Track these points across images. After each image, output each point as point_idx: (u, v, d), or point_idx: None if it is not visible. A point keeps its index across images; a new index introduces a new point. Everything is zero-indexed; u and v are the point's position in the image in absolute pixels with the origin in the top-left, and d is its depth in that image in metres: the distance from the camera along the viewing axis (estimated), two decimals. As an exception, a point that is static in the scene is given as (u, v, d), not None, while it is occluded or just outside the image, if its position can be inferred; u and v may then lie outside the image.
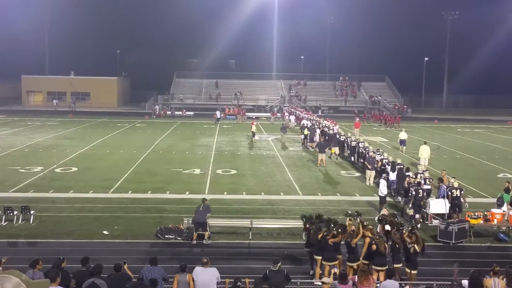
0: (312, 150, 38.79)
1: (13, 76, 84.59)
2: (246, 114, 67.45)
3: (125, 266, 12.54)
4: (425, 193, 20.93)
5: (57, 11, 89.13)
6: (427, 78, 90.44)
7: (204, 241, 18.34)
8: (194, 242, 18.30)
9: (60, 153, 36.21)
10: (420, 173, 23.21)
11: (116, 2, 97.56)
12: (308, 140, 41.03)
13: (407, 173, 24.12)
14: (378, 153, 29.08)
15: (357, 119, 49.47)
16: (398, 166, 25.32)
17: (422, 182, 22.14)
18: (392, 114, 69.12)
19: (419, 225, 20.32)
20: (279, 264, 12.78)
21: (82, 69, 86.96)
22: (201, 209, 18.57)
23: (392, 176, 24.79)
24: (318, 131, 40.30)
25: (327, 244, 14.91)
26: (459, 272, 13.28)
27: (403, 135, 39.69)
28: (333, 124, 42.43)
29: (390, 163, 26.07)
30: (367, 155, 28.86)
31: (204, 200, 19.22)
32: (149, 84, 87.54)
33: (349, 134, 38.12)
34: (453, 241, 18.35)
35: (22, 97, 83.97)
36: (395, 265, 14.61)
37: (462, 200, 20.83)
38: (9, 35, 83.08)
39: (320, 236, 15.08)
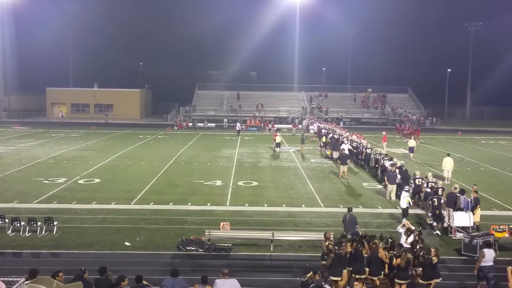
0: (329, 156, 41.09)
1: (38, 89, 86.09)
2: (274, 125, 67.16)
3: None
4: (441, 202, 21.06)
5: (80, 25, 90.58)
6: (450, 89, 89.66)
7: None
8: None
9: (83, 165, 36.58)
10: (431, 183, 23.50)
11: (139, 16, 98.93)
12: (326, 148, 43.57)
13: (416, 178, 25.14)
14: (386, 158, 31.04)
15: (384, 132, 48.81)
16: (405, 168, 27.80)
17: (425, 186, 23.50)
18: (418, 125, 68.38)
19: (438, 231, 20.89)
20: (308, 275, 13.14)
21: (105, 81, 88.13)
22: (347, 220, 18.35)
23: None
24: (347, 145, 39.65)
25: (360, 256, 14.73)
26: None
27: (411, 143, 42.59)
28: (361, 138, 42.20)
29: (398, 168, 27.61)
30: (387, 169, 28.66)
31: (349, 209, 18.78)
32: (171, 96, 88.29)
33: (365, 142, 39.70)
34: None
35: (46, 109, 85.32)
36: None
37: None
38: (34, 49, 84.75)
39: (350, 248, 14.88)
